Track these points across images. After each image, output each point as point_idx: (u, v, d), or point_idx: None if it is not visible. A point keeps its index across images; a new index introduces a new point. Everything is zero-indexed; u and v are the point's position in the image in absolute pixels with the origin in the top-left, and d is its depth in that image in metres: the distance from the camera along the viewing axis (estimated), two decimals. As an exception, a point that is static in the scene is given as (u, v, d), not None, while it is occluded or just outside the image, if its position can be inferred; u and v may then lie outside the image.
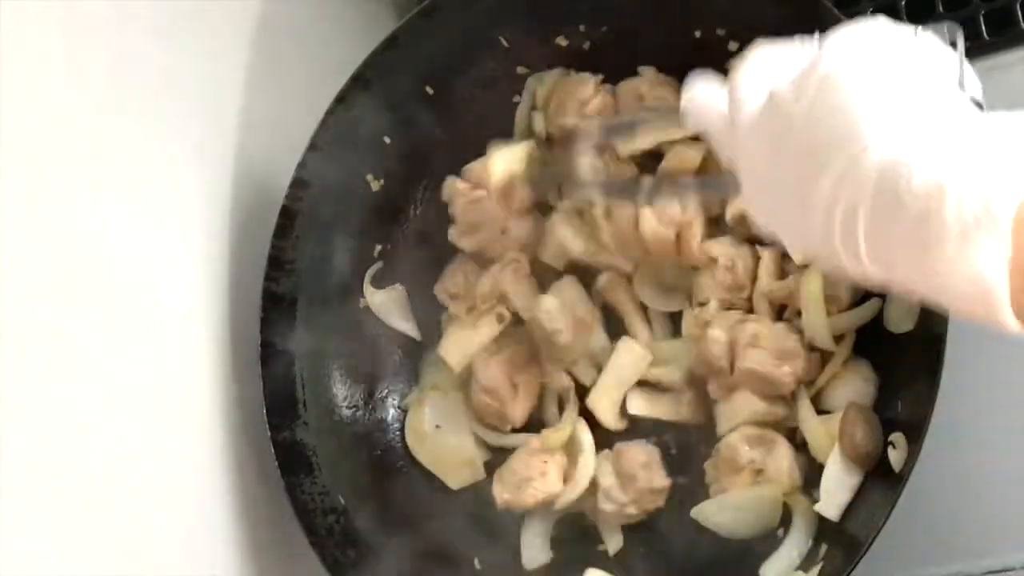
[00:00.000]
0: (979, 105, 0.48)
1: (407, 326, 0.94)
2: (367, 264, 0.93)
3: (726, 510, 0.82)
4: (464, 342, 0.89)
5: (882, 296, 0.79)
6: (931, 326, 0.73)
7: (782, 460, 0.80)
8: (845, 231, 0.46)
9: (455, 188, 0.90)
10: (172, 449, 0.76)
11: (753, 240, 0.84)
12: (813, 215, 0.48)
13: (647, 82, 0.87)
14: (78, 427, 0.67)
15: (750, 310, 0.84)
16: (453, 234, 0.91)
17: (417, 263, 0.94)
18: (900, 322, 0.78)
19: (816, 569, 0.76)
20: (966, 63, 0.48)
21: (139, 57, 0.76)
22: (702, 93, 0.58)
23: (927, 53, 0.48)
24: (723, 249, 0.84)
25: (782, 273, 0.83)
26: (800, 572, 0.77)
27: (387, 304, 0.93)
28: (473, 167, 0.90)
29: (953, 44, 0.49)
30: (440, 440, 0.91)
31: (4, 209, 0.63)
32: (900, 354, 0.78)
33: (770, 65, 0.53)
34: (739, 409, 0.82)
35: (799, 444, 0.81)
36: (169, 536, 0.74)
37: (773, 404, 0.82)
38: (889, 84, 0.46)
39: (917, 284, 0.46)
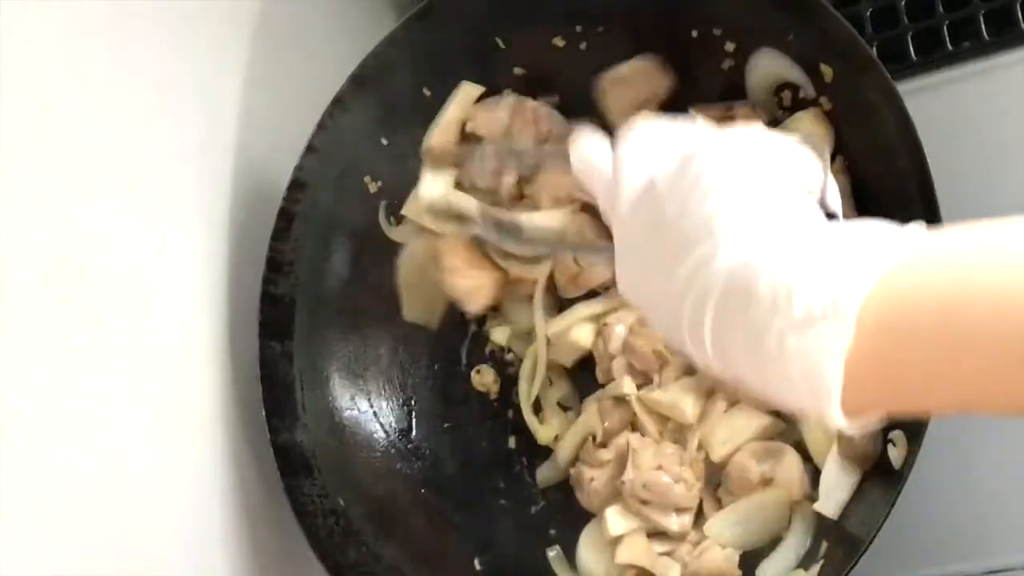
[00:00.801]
0: (835, 217, 0.52)
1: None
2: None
3: (732, 522, 0.81)
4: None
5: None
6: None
7: (792, 469, 0.79)
8: (693, 323, 0.49)
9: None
10: (171, 451, 0.76)
11: None
12: (667, 302, 0.50)
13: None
14: (77, 427, 0.67)
15: None
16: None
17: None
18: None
19: (816, 567, 0.76)
20: (830, 178, 0.52)
21: (139, 57, 0.76)
22: (589, 152, 0.58)
23: (796, 165, 0.52)
24: None
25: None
26: (800, 570, 0.77)
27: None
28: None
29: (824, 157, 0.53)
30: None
31: (4, 209, 0.62)
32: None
33: (655, 144, 0.54)
34: (741, 428, 0.81)
35: (804, 450, 0.81)
36: (169, 537, 0.73)
37: (777, 415, 0.81)
38: (750, 192, 0.49)
39: (754, 380, 0.48)
